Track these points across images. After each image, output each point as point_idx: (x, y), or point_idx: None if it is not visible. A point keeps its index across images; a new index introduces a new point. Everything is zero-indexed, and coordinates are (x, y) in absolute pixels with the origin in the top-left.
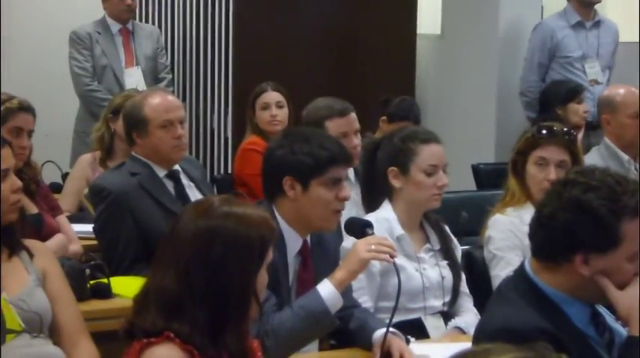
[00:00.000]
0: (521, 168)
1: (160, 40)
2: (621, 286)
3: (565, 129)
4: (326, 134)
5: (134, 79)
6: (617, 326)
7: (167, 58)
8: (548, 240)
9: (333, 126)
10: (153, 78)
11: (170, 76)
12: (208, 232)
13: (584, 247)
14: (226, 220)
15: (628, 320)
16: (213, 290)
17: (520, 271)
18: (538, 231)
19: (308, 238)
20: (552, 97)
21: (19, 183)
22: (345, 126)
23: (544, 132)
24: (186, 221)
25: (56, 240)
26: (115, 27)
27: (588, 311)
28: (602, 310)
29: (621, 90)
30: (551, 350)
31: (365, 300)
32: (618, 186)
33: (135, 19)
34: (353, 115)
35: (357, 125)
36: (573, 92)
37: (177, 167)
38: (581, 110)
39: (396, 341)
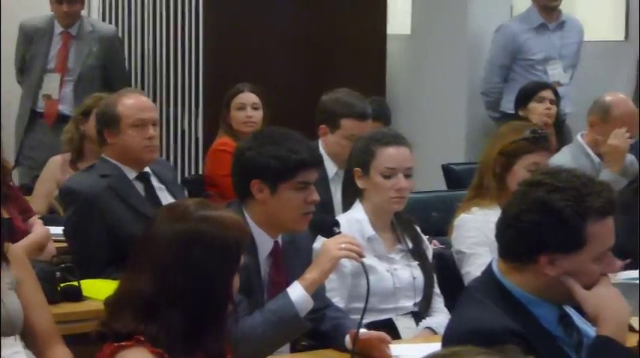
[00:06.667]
0: (503, 169)
1: (114, 44)
2: (588, 287)
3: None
4: (296, 136)
5: (51, 85)
6: (585, 326)
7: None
8: (513, 240)
9: (348, 126)
10: (98, 85)
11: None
12: (186, 236)
13: (549, 248)
14: (203, 224)
15: (596, 319)
16: (191, 293)
17: (488, 272)
18: (504, 231)
19: (279, 239)
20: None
21: None
22: (359, 130)
23: (538, 138)
24: (161, 225)
25: (29, 241)
26: (58, 28)
27: (556, 312)
28: (571, 311)
29: (622, 106)
30: (519, 352)
31: (337, 301)
32: (584, 187)
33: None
34: (369, 122)
35: None
36: (532, 91)
37: (147, 169)
38: (542, 108)
39: (374, 333)
